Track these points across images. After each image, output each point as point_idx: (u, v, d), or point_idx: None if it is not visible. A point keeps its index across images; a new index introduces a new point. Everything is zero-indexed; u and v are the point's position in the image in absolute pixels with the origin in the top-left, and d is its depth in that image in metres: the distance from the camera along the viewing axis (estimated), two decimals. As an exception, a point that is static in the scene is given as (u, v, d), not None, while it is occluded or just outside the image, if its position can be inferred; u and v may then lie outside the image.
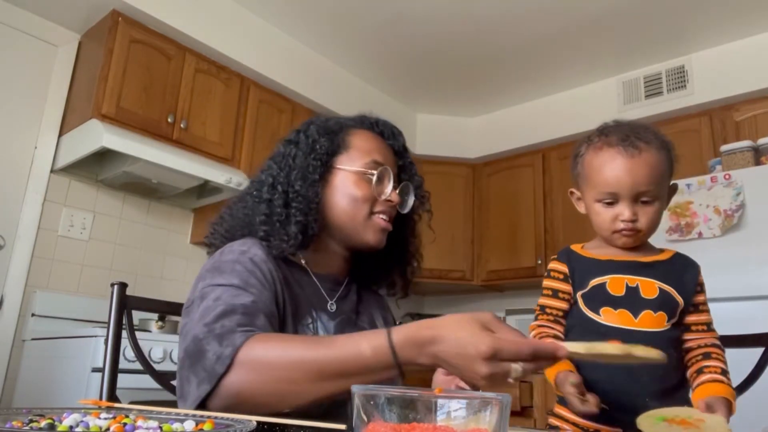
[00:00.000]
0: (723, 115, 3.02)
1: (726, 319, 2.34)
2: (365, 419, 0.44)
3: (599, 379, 0.93)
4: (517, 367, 0.67)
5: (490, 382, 0.66)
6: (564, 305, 0.99)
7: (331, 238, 1.06)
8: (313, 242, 1.03)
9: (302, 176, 1.01)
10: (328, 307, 1.03)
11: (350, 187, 1.03)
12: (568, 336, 1.01)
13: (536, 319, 1.01)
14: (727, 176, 2.50)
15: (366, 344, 0.73)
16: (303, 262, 1.05)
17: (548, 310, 1.00)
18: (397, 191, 1.06)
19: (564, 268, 1.00)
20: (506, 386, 0.67)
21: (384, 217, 1.04)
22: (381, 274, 1.14)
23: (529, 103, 3.79)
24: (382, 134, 1.12)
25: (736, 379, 1.26)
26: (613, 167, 0.95)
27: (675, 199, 2.59)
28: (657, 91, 3.23)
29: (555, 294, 1.00)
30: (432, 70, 3.50)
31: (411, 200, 1.11)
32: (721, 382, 0.90)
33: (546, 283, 1.02)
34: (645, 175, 0.93)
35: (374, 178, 1.02)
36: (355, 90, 3.56)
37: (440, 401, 0.43)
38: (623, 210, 0.95)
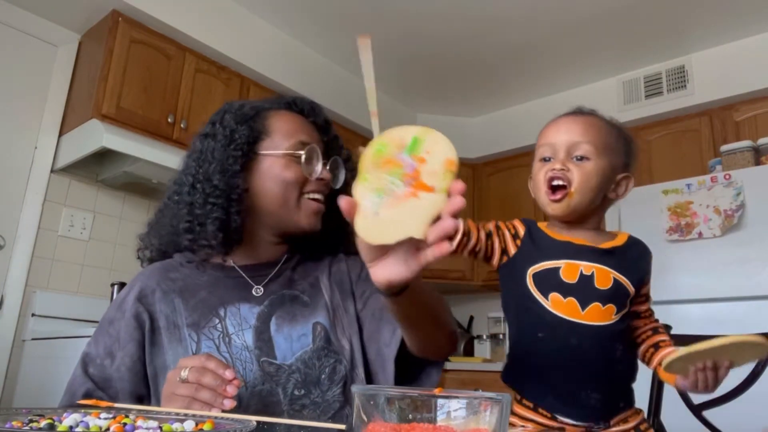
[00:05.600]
0: (723, 115, 3.02)
1: (726, 319, 2.36)
2: (365, 419, 0.44)
3: (540, 371, 0.91)
4: (183, 373, 0.74)
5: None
6: (485, 241, 0.96)
7: (262, 227, 1.03)
8: (241, 235, 1.01)
9: (221, 169, 0.97)
10: (253, 292, 0.99)
11: (279, 171, 0.99)
12: (508, 313, 0.98)
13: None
14: (727, 176, 2.50)
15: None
16: (230, 261, 1.02)
17: (479, 225, 0.97)
18: (327, 167, 1.04)
19: (521, 229, 0.98)
20: None
21: (317, 196, 1.02)
22: (322, 248, 1.10)
23: (529, 103, 3.79)
24: (302, 112, 1.08)
25: (736, 380, 1.26)
26: (552, 124, 0.98)
27: (675, 199, 2.60)
28: (657, 91, 3.23)
29: (497, 228, 0.98)
30: (432, 70, 3.50)
31: (342, 174, 1.08)
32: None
33: (497, 222, 1.00)
34: (580, 128, 0.95)
35: (303, 159, 0.99)
36: (355, 90, 3.56)
37: (440, 401, 0.43)
38: (555, 162, 0.94)
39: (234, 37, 2.89)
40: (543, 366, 0.92)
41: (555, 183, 0.93)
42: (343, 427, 0.60)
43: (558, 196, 0.93)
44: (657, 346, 0.97)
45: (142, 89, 2.54)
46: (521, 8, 2.86)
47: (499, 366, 3.22)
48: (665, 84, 3.21)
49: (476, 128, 4.01)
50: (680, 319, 2.32)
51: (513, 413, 0.95)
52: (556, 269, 0.92)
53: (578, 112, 0.99)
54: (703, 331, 1.42)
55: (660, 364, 0.93)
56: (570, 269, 0.91)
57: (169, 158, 2.46)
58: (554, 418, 0.91)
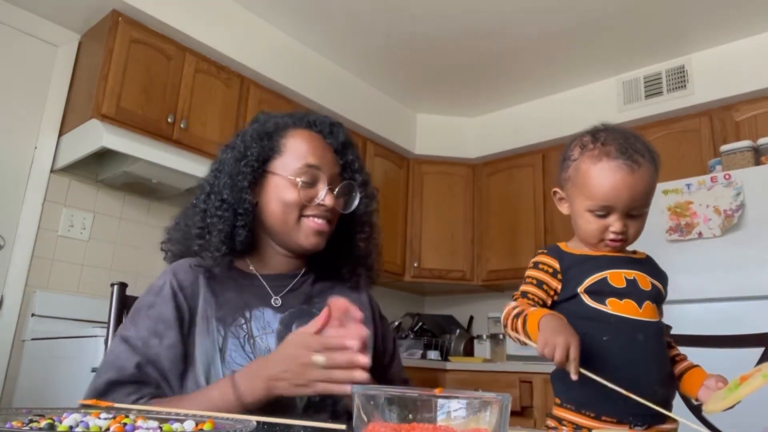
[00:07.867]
0: (723, 115, 3.02)
1: (726, 319, 2.36)
2: (365, 419, 0.44)
3: (606, 372, 0.92)
4: (318, 358, 0.79)
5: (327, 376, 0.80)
6: (545, 296, 0.98)
7: (272, 240, 1.08)
8: (256, 245, 1.08)
9: (231, 184, 1.02)
10: (272, 303, 1.03)
11: (280, 192, 1.03)
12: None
13: (514, 300, 0.99)
14: (727, 176, 2.50)
15: (215, 390, 0.85)
16: (251, 267, 1.07)
17: (530, 296, 0.98)
18: (335, 192, 1.05)
19: (555, 263, 0.98)
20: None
21: (318, 220, 1.04)
22: (334, 269, 1.13)
23: (529, 103, 3.79)
24: (321, 132, 1.10)
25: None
26: (613, 181, 0.94)
27: (675, 199, 2.60)
28: (657, 91, 3.23)
29: (539, 284, 0.98)
30: (432, 70, 3.50)
31: (355, 199, 1.09)
32: (699, 366, 0.98)
33: (531, 272, 1.00)
34: (642, 191, 0.94)
35: (300, 184, 1.02)
36: (355, 90, 3.56)
37: (440, 401, 0.43)
38: (615, 222, 0.95)
39: (234, 37, 2.89)
40: (608, 365, 0.90)
41: (614, 244, 0.97)
42: (343, 427, 0.60)
43: (617, 245, 0.98)
44: (674, 360, 1.01)
45: (142, 89, 2.54)
46: (521, 8, 2.86)
47: (499, 366, 3.22)
48: (665, 84, 3.21)
49: (476, 128, 4.01)
50: (680, 319, 2.33)
51: (551, 416, 0.97)
52: (604, 278, 0.96)
53: (633, 161, 0.94)
54: (703, 331, 1.42)
55: (679, 378, 0.98)
56: (616, 276, 0.96)
57: (168, 158, 2.46)
58: (598, 419, 0.92)
